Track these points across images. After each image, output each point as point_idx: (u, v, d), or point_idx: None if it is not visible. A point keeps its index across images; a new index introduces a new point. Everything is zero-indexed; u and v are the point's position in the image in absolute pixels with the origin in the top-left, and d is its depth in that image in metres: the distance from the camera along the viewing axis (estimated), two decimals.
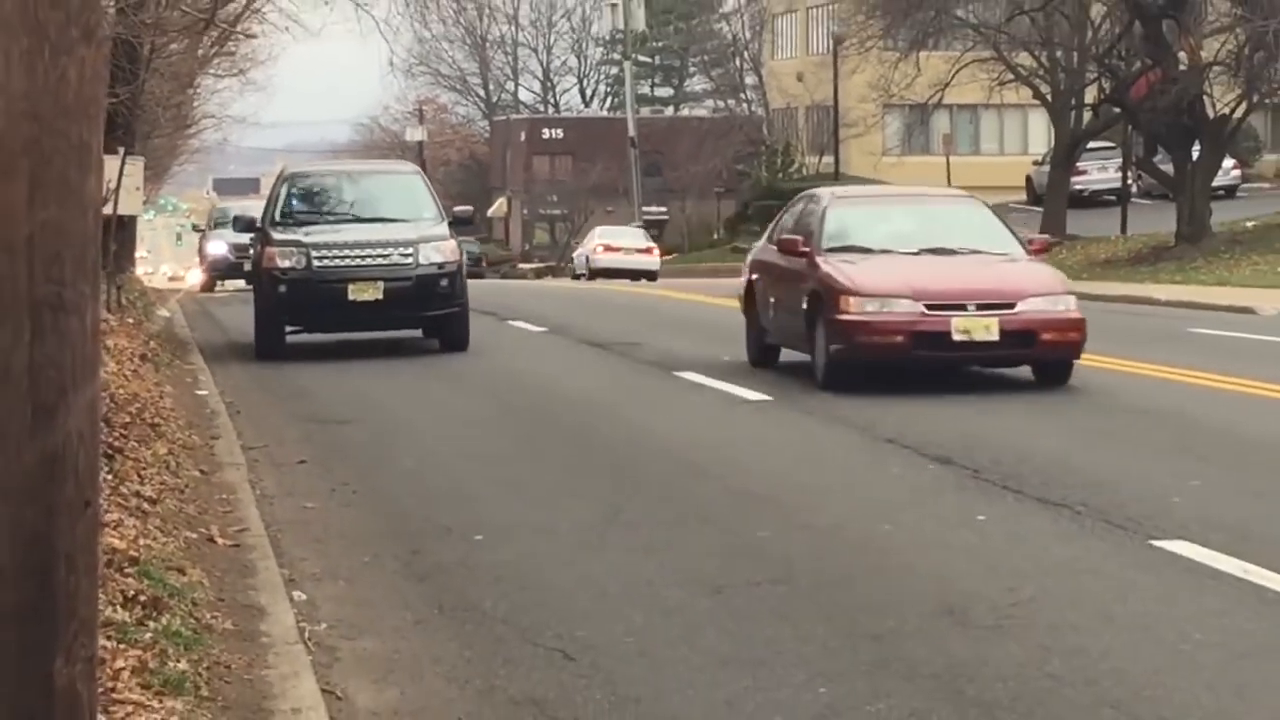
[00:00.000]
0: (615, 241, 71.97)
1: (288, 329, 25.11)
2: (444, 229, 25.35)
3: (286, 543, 12.25)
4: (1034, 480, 14.01)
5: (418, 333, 26.12)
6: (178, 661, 8.46)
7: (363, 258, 24.21)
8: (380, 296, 24.03)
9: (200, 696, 8.11)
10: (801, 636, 9.49)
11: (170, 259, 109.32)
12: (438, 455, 16.74)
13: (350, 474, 15.52)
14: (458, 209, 31.37)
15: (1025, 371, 20.59)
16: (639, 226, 79.51)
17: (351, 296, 23.98)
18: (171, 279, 63.77)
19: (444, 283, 24.36)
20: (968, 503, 13.35)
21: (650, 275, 66.44)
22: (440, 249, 24.60)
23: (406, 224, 25.12)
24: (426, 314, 24.81)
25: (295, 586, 10.81)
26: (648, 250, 71.92)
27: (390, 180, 28.27)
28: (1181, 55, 53.89)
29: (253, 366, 24.44)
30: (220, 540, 11.96)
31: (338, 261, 24.18)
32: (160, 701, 7.83)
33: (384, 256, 24.25)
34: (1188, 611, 9.89)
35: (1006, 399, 19.93)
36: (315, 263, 24.10)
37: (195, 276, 61.75)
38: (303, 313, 24.76)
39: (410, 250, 24.32)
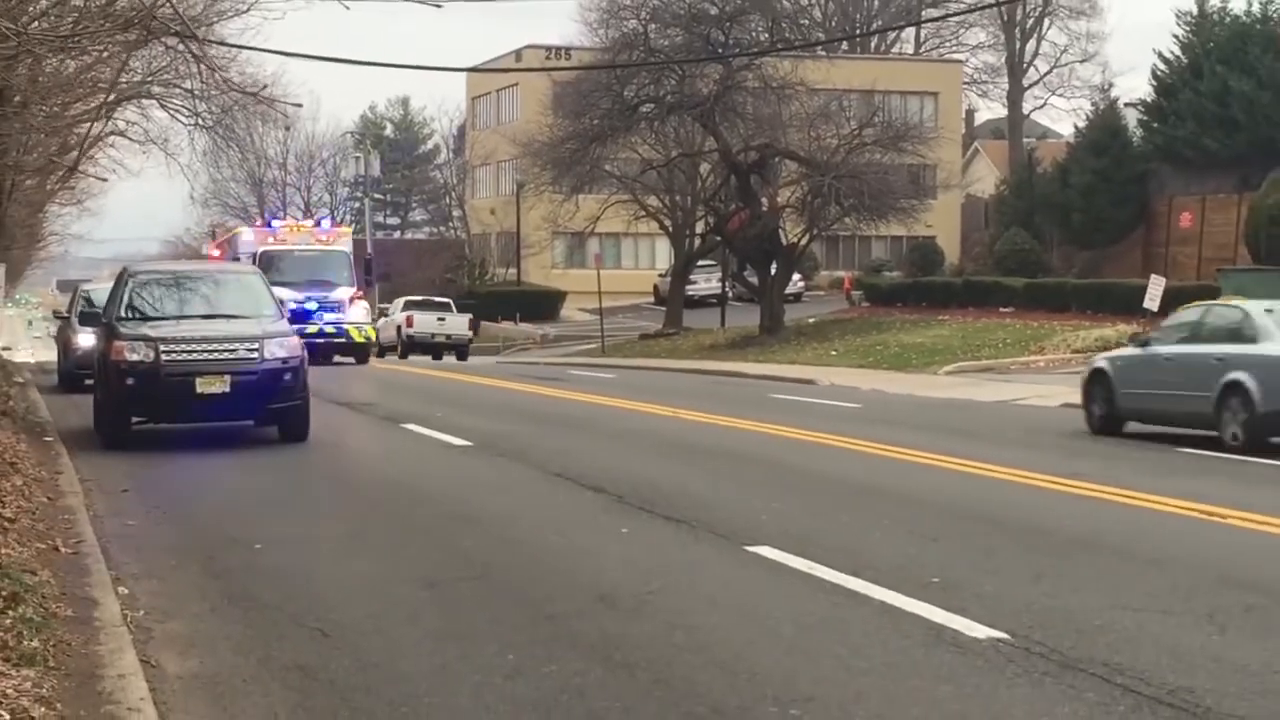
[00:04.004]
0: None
1: (134, 420, 20.31)
2: (286, 325, 20.93)
3: (114, 551, 11.94)
4: (662, 503, 14.10)
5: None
6: (31, 640, 8.27)
7: (210, 352, 19.56)
8: (227, 389, 19.42)
9: (48, 666, 7.92)
10: (495, 619, 9.46)
11: (23, 340, 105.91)
12: (227, 487, 16.44)
13: (162, 500, 15.18)
14: (299, 302, 30.08)
15: (672, 428, 20.59)
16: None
17: (199, 389, 19.32)
18: (34, 360, 60.27)
19: (287, 376, 19.77)
20: (615, 520, 13.40)
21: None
22: (284, 344, 19.98)
23: (250, 320, 20.48)
24: (270, 406, 20.05)
25: (120, 583, 10.54)
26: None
27: (231, 279, 22.81)
28: (764, 200, 55.01)
29: (89, 420, 22.01)
30: (63, 549, 11.65)
31: (185, 355, 19.45)
32: (17, 670, 7.66)
33: (231, 351, 19.63)
34: (771, 597, 10.03)
35: (642, 442, 20.09)
36: (164, 356, 19.32)
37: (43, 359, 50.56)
38: (150, 404, 19.92)
39: (256, 345, 19.69)
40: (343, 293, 43.41)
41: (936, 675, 8.02)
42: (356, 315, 43.53)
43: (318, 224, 48.18)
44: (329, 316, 42.32)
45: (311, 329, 39.37)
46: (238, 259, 41.75)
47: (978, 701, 7.54)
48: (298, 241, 44.72)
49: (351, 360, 42.77)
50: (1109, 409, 22.84)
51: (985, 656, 8.36)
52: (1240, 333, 21.07)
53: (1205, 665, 8.18)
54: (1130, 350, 23.83)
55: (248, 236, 46.08)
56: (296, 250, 43.95)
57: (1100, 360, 24.30)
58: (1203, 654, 8.43)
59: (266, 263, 39.72)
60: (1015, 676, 7.96)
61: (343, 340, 42.59)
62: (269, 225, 47.27)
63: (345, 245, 46.00)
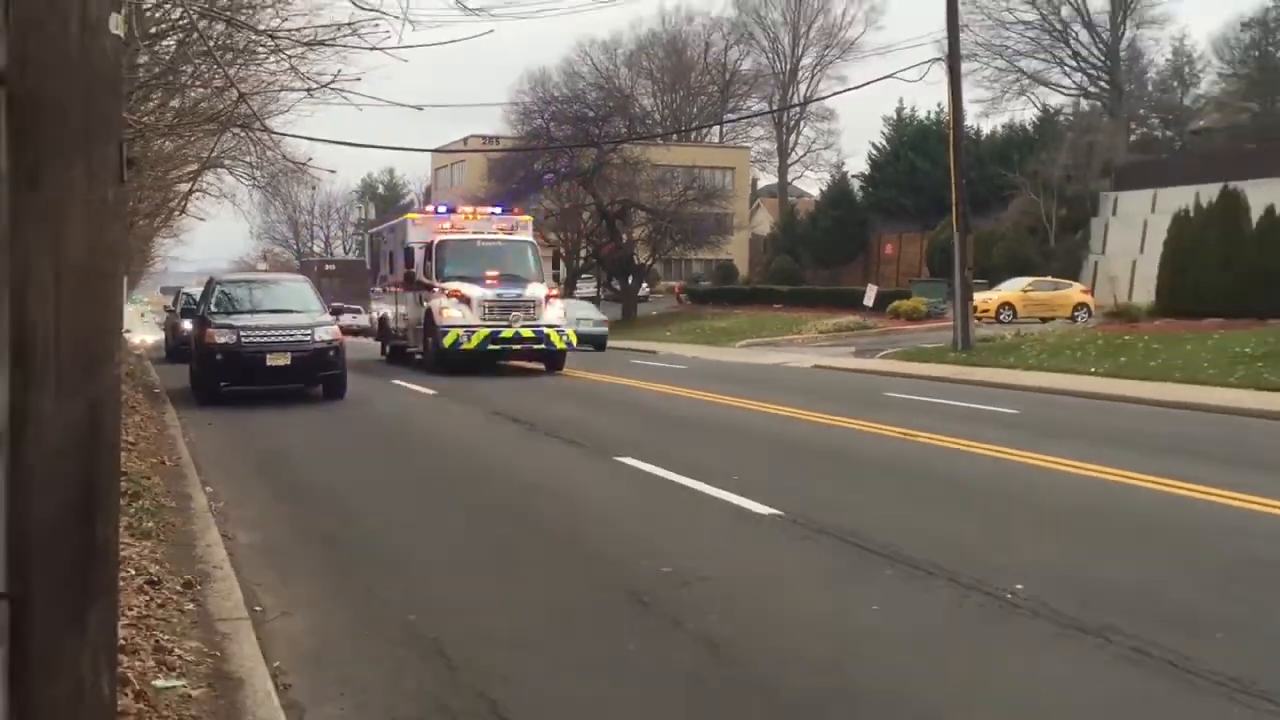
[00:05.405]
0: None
1: (222, 385, 18.88)
2: (329, 317, 19.76)
3: (203, 465, 11.67)
4: (563, 430, 14.07)
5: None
6: (147, 522, 8.10)
7: (277, 336, 18.61)
8: (288, 363, 18.51)
9: (159, 540, 7.76)
10: (455, 501, 9.32)
11: (139, 328, 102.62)
12: (280, 425, 16.13)
13: (235, 432, 14.87)
14: (334, 304, 26.66)
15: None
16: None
17: (269, 363, 18.45)
18: (144, 342, 57.46)
19: (331, 354, 18.75)
20: (531, 443, 13.33)
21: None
22: (329, 331, 18.91)
23: (303, 314, 19.42)
24: (320, 375, 19.01)
25: (207, 484, 10.33)
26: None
27: (289, 285, 21.42)
28: (625, 236, 55.02)
29: (187, 381, 20.81)
30: (167, 462, 11.39)
31: (259, 338, 18.50)
32: (139, 542, 7.51)
33: (290, 335, 18.67)
34: (634, 494, 10.00)
35: (543, 392, 20.01)
36: (243, 339, 18.43)
37: (150, 339, 47.65)
38: (233, 374, 18.69)
39: (308, 332, 18.71)
40: (537, 290, 25.81)
41: (738, 537, 8.11)
42: (554, 316, 25.93)
43: (498, 210, 30.30)
44: (524, 318, 25.15)
45: (506, 333, 24.81)
46: (409, 249, 27.97)
47: (760, 552, 7.64)
48: (477, 230, 28.26)
49: (541, 366, 26.30)
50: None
51: (766, 526, 8.44)
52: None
53: (907, 531, 8.31)
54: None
55: (414, 226, 28.89)
56: (479, 240, 27.29)
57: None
58: (902, 523, 8.57)
59: (444, 253, 26.19)
60: (788, 540, 8.05)
61: (542, 346, 25.34)
62: (438, 212, 29.31)
63: (529, 234, 29.09)
